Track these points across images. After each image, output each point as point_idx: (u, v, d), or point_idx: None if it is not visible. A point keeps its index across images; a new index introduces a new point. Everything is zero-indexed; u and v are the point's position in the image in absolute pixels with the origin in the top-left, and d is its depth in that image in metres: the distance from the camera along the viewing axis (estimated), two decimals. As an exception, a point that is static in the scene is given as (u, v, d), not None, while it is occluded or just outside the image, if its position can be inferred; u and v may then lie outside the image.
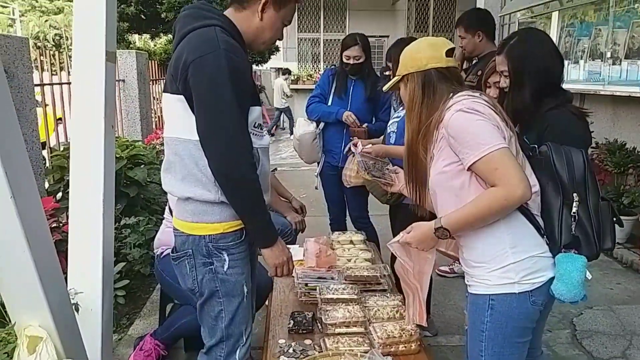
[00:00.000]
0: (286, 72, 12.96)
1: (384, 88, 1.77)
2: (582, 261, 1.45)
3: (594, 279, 3.94)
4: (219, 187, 1.59)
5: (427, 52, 1.60)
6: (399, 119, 2.75)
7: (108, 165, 2.14)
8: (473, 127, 1.44)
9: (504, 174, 1.39)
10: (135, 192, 3.59)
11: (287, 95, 12.58)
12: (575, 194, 1.49)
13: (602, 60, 4.86)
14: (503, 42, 1.97)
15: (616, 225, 1.59)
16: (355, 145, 2.76)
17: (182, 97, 1.56)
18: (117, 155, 3.48)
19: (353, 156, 3.35)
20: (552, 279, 1.50)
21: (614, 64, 4.69)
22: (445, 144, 1.51)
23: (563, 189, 1.50)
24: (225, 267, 1.67)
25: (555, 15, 5.66)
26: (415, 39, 1.77)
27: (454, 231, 1.54)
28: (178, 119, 1.61)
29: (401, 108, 2.80)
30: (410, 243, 1.67)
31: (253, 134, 1.63)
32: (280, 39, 1.76)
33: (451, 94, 1.55)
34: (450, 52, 1.60)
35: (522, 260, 1.49)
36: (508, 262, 1.49)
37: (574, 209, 1.48)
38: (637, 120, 4.65)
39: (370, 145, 2.75)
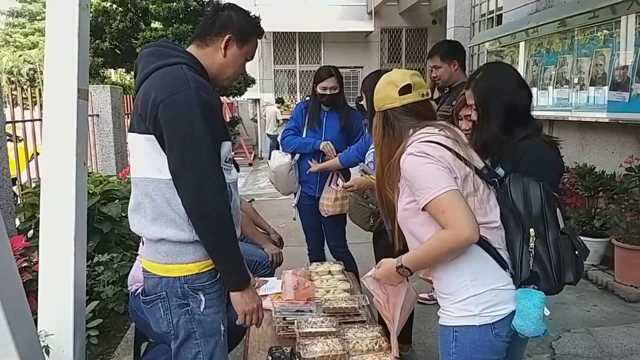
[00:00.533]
0: (279, 100, 13.15)
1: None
2: (540, 297, 1.45)
3: (571, 302, 3.99)
4: (193, 226, 1.56)
5: (383, 93, 1.66)
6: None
7: (79, 203, 2.10)
8: (422, 171, 1.47)
9: (450, 217, 1.41)
10: (109, 228, 3.53)
11: (279, 122, 12.65)
12: (531, 229, 1.49)
13: (569, 87, 5.03)
14: (470, 76, 2.03)
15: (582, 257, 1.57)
16: (336, 184, 2.82)
17: (151, 136, 1.55)
18: (90, 191, 3.44)
19: (329, 186, 3.38)
20: (514, 312, 1.49)
21: (580, 90, 4.86)
22: (404, 182, 1.55)
23: (522, 223, 1.50)
24: (202, 307, 1.63)
25: (522, 45, 5.87)
26: (389, 70, 1.81)
27: (414, 269, 1.58)
28: (147, 159, 1.59)
29: None
30: (379, 279, 1.70)
31: (224, 168, 1.61)
32: (243, 73, 1.80)
33: (411, 131, 1.58)
34: (405, 89, 1.62)
35: (481, 293, 1.49)
36: (468, 295, 1.51)
37: (531, 245, 1.48)
38: (605, 145, 4.79)
39: (352, 181, 2.80)
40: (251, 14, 1.77)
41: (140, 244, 2.55)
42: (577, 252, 1.51)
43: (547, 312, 1.44)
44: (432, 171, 1.45)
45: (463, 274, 1.51)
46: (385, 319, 1.87)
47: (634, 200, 4.03)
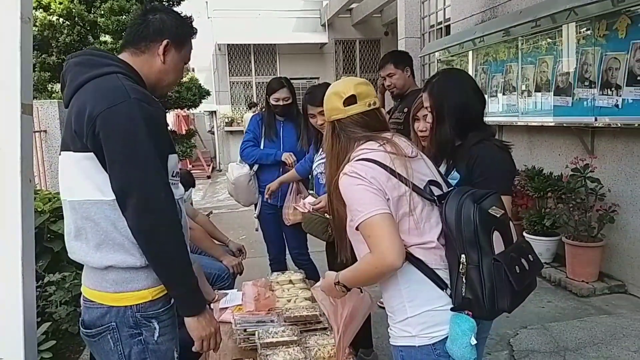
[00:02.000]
0: (253, 105, 12.76)
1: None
2: (469, 325, 1.42)
3: (527, 299, 4.09)
4: (141, 250, 1.45)
5: (329, 103, 1.63)
6: (324, 160, 2.81)
7: (26, 222, 2.01)
8: (352, 193, 1.45)
9: (374, 242, 1.39)
10: (60, 247, 3.39)
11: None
12: (463, 255, 1.41)
13: (516, 94, 5.23)
14: (428, 80, 2.08)
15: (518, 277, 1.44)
16: (304, 205, 2.81)
17: (90, 154, 1.42)
18: (39, 209, 3.31)
19: (290, 195, 3.38)
20: None
21: (527, 96, 5.06)
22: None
23: (456, 247, 1.43)
24: (156, 335, 1.52)
25: (470, 54, 6.07)
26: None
27: (350, 286, 1.58)
28: (86, 180, 1.45)
29: (321, 149, 2.90)
30: (324, 290, 1.69)
31: (172, 183, 1.51)
32: (181, 77, 1.71)
33: (355, 144, 1.56)
34: (349, 100, 1.58)
35: (419, 314, 1.47)
36: (406, 316, 1.49)
37: (462, 270, 1.41)
38: (551, 147, 5.00)
39: (319, 200, 2.79)
40: (183, 15, 1.68)
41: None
42: (510, 280, 1.40)
43: (473, 342, 1.41)
44: (362, 193, 1.43)
45: (400, 295, 1.49)
46: (336, 331, 1.84)
47: (581, 200, 4.22)
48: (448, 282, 1.46)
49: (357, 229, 1.44)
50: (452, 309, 1.45)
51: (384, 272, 1.42)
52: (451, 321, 1.45)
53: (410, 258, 1.45)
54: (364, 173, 1.45)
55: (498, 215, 1.45)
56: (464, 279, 1.41)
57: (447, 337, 1.45)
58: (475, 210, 1.41)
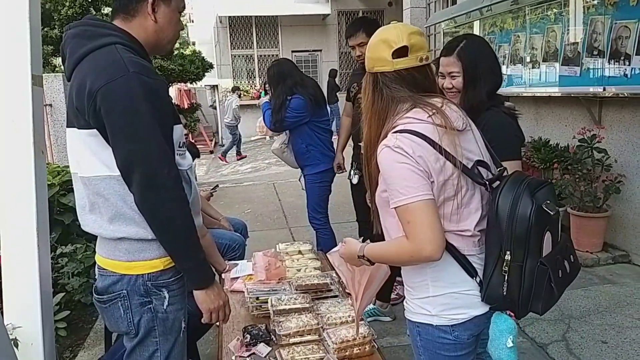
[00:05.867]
0: (236, 89, 12.48)
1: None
2: (507, 325, 1.37)
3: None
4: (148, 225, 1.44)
5: (375, 52, 1.42)
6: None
7: (40, 193, 2.05)
8: (395, 171, 1.31)
9: (414, 230, 1.28)
10: (71, 219, 3.44)
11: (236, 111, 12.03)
12: (508, 252, 1.31)
13: (522, 65, 5.18)
14: (449, 45, 2.04)
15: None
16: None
17: (94, 131, 1.40)
18: (49, 182, 3.33)
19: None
20: (478, 317, 1.41)
21: (533, 67, 5.01)
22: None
23: (501, 240, 1.33)
24: (165, 304, 1.53)
25: (476, 24, 5.98)
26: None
27: (376, 262, 1.50)
28: (93, 156, 1.43)
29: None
30: (343, 257, 1.61)
31: (178, 154, 1.50)
32: (182, 29, 1.65)
33: (398, 107, 1.39)
34: (399, 52, 1.38)
35: (442, 295, 1.40)
36: (427, 295, 1.42)
37: (505, 268, 1.32)
38: (558, 118, 4.98)
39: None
40: None
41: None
42: (552, 285, 1.33)
43: (509, 344, 1.36)
44: (406, 174, 1.29)
45: (425, 273, 1.41)
46: (350, 297, 1.83)
47: (587, 170, 4.22)
48: (478, 270, 1.39)
49: (395, 209, 1.32)
50: (492, 308, 1.39)
51: (419, 261, 1.33)
52: (492, 321, 1.41)
53: None
54: (411, 150, 1.29)
55: (552, 214, 1.33)
56: (506, 277, 1.32)
57: (467, 321, 1.40)
58: (533, 209, 1.29)
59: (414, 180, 1.28)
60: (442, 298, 1.40)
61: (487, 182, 1.37)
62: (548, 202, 1.32)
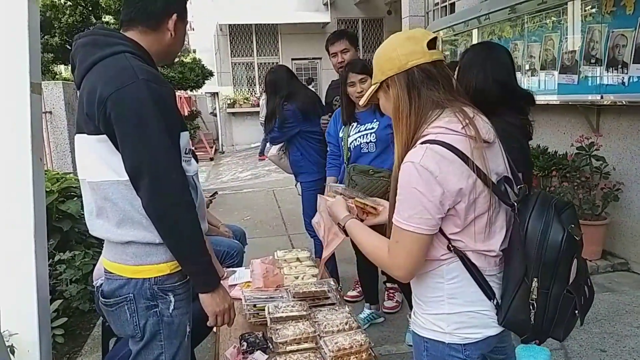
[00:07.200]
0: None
1: (361, 102, 1.52)
2: (544, 356, 1.33)
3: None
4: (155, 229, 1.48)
5: (406, 48, 1.33)
6: (365, 131, 2.97)
7: (38, 200, 2.05)
8: (409, 195, 1.26)
9: (397, 251, 1.30)
10: (69, 226, 3.44)
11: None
12: (535, 279, 1.27)
13: (520, 72, 5.20)
14: (466, 54, 2.20)
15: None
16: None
17: (103, 136, 1.43)
18: (48, 189, 3.34)
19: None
20: (491, 337, 1.37)
21: (531, 75, 5.03)
22: None
23: (527, 267, 1.28)
24: (171, 308, 1.55)
25: (475, 32, 6.01)
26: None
27: (351, 238, 1.53)
28: (102, 161, 1.47)
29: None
30: (328, 210, 1.65)
31: (184, 160, 1.53)
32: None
33: (430, 113, 1.32)
34: (432, 43, 1.33)
35: (457, 313, 1.35)
36: (442, 311, 1.37)
37: (533, 296, 1.28)
38: (556, 126, 4.99)
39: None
40: None
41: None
42: (576, 312, 1.31)
43: None
44: (416, 203, 1.25)
45: (442, 288, 1.36)
46: (322, 239, 1.78)
47: (585, 178, 4.22)
48: (496, 291, 1.35)
49: (391, 221, 1.33)
50: (522, 341, 1.36)
51: (386, 271, 1.39)
52: (520, 357, 1.36)
53: (464, 260, 1.32)
54: (437, 168, 1.23)
55: (578, 239, 1.28)
56: (534, 305, 1.28)
57: (480, 341, 1.36)
58: (564, 237, 1.25)
59: (422, 212, 1.25)
60: (457, 316, 1.36)
61: (514, 204, 1.32)
62: (572, 226, 1.28)
